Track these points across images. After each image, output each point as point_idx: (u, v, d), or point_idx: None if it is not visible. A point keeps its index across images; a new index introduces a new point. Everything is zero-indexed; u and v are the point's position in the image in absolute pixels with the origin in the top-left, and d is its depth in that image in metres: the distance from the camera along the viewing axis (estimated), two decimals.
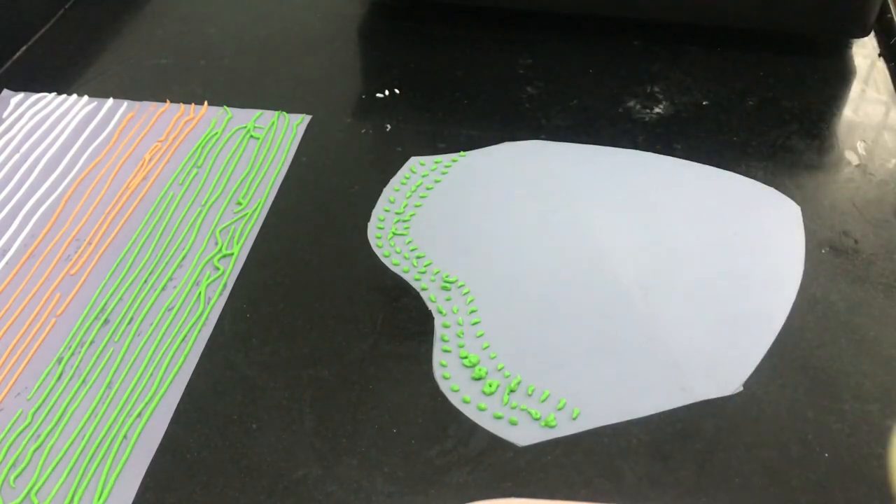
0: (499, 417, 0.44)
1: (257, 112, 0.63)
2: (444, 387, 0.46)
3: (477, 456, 0.42)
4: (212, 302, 0.50)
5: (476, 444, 0.43)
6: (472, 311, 0.49)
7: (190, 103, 0.64)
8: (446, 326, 0.49)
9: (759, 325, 0.48)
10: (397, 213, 0.55)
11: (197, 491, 0.41)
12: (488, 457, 0.42)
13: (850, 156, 0.59)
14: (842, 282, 0.50)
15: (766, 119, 0.62)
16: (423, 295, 0.50)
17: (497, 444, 0.43)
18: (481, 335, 0.48)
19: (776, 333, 0.47)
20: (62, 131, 0.62)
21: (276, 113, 0.63)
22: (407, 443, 0.43)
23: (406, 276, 0.51)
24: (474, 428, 0.44)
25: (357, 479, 0.42)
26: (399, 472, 0.42)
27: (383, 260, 0.52)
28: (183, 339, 0.48)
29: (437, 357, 0.47)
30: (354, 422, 0.44)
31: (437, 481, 0.41)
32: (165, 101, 0.64)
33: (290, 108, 0.63)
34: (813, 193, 0.55)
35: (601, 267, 0.51)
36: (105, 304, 0.50)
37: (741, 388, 0.45)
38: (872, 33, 0.67)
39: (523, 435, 0.43)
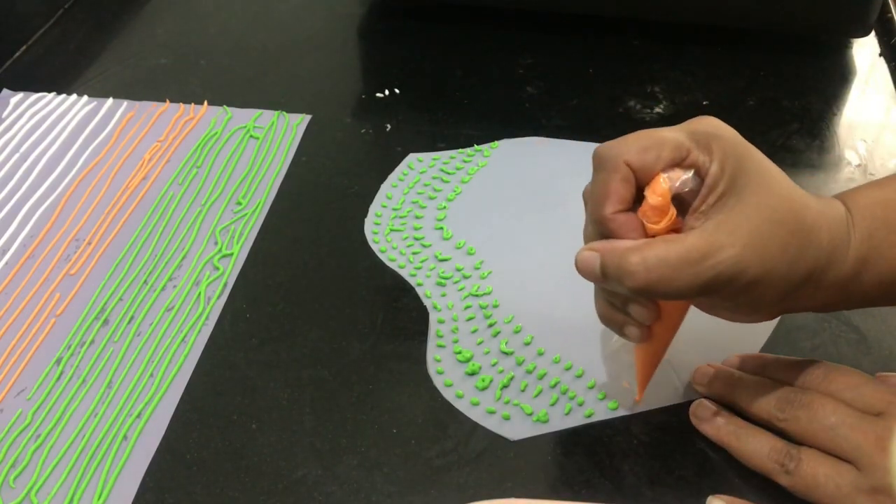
0: (491, 412, 0.44)
1: (257, 112, 0.63)
2: (438, 382, 0.46)
3: (477, 456, 0.42)
4: (212, 302, 0.50)
5: (476, 445, 0.43)
6: (467, 307, 0.49)
7: (190, 103, 0.64)
8: (441, 322, 0.49)
9: (752, 325, 0.47)
10: (394, 210, 0.55)
11: (197, 491, 0.41)
12: (488, 457, 0.42)
13: (851, 156, 0.58)
14: None
15: (766, 119, 0.62)
16: (419, 290, 0.50)
17: (497, 444, 0.43)
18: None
19: (769, 334, 0.47)
20: (62, 131, 0.62)
21: (276, 113, 0.63)
22: (407, 443, 0.43)
23: (402, 272, 0.51)
24: (474, 428, 0.44)
25: (357, 479, 0.42)
26: (399, 472, 0.42)
27: (380, 256, 0.52)
28: (183, 339, 0.48)
29: (432, 352, 0.47)
30: (354, 422, 0.44)
31: (437, 481, 0.41)
32: (165, 101, 0.64)
33: (290, 108, 0.63)
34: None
35: None
36: (105, 304, 0.50)
37: None
38: (873, 33, 0.67)
39: (516, 430, 0.43)
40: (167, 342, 0.48)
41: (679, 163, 0.36)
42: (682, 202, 0.36)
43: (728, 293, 0.36)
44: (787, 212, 0.36)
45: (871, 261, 0.37)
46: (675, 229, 0.36)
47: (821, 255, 0.36)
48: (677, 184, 0.35)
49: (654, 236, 0.36)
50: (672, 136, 0.36)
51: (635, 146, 0.36)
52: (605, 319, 0.40)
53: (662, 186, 0.35)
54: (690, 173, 0.35)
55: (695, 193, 0.36)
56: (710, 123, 0.37)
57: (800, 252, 0.36)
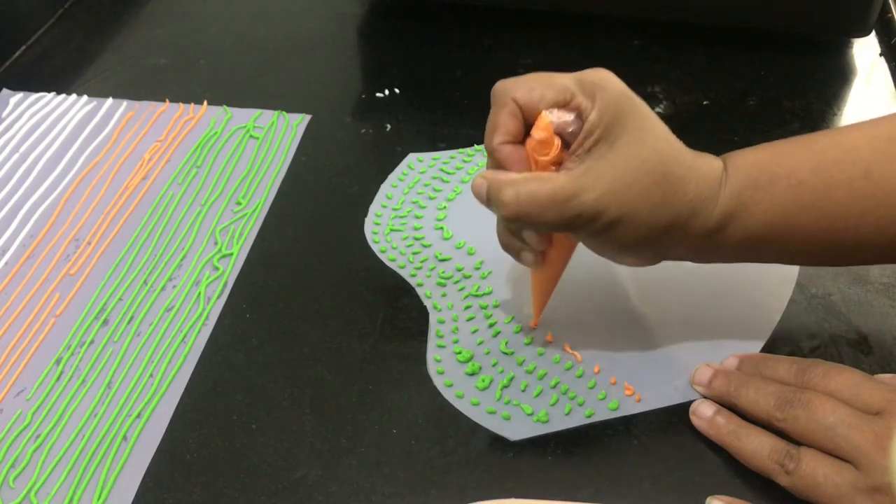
0: (492, 412, 0.44)
1: (257, 112, 0.63)
2: (438, 382, 0.46)
3: (477, 456, 0.42)
4: (211, 302, 0.50)
5: (476, 445, 0.43)
6: (468, 307, 0.49)
7: (189, 103, 0.64)
8: (441, 322, 0.49)
9: (752, 325, 0.47)
10: (394, 210, 0.55)
11: (197, 491, 0.41)
12: (488, 457, 0.42)
13: None
14: (842, 282, 0.50)
15: (767, 119, 0.62)
16: (419, 291, 0.50)
17: (497, 445, 0.43)
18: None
19: (770, 333, 0.47)
20: (61, 131, 0.62)
21: (276, 112, 0.63)
22: (407, 443, 0.43)
23: (402, 272, 0.51)
24: (474, 428, 0.44)
25: (357, 480, 0.42)
26: (399, 473, 0.42)
27: (380, 256, 0.52)
28: (183, 339, 0.48)
29: (432, 352, 0.47)
30: (354, 422, 0.44)
31: (437, 481, 0.41)
32: (165, 101, 0.64)
33: (290, 108, 0.63)
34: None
35: (597, 265, 0.51)
36: (104, 304, 0.50)
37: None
38: (873, 33, 0.67)
39: (516, 430, 0.43)
40: (167, 342, 0.48)
41: (563, 105, 0.40)
42: (567, 145, 0.40)
43: (592, 230, 0.39)
44: (655, 163, 0.39)
45: (737, 216, 0.41)
46: (560, 162, 0.40)
47: (684, 205, 0.40)
48: (558, 121, 0.39)
49: (544, 168, 0.40)
50: (559, 80, 0.40)
51: (524, 86, 0.40)
52: (504, 246, 0.44)
53: (545, 121, 0.39)
54: (572, 115, 0.39)
55: (577, 136, 0.39)
56: (599, 75, 0.41)
57: (663, 201, 0.39)
